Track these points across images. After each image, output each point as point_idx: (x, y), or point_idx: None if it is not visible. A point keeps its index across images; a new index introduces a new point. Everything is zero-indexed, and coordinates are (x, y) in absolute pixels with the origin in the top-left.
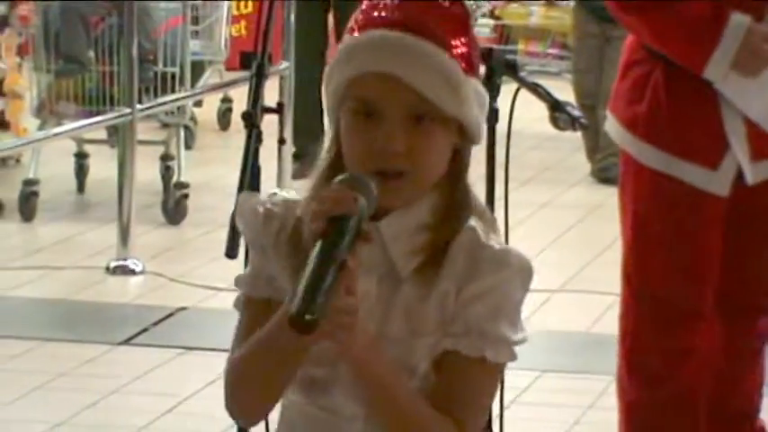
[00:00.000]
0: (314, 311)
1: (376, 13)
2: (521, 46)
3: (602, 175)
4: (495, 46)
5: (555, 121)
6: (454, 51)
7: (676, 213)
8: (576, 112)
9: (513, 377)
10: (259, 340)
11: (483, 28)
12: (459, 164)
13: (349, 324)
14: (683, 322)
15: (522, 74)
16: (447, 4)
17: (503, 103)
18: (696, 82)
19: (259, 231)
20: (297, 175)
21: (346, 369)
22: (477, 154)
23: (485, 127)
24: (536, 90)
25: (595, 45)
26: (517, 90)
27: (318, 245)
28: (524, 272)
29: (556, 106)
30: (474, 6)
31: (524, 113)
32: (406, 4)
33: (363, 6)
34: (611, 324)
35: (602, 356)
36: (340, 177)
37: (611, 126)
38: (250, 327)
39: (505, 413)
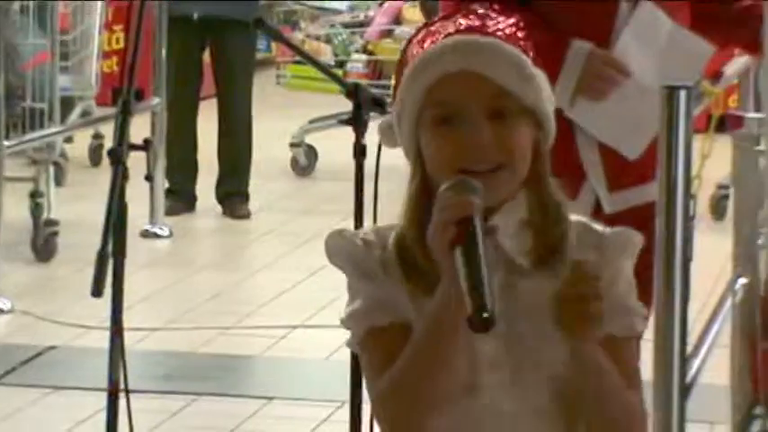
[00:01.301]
0: (487, 309)
1: (437, 32)
2: (394, 81)
3: None
4: (368, 81)
5: None
6: (521, 45)
7: None
8: None
9: None
10: (412, 359)
11: (356, 63)
12: (541, 158)
13: None
14: None
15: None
16: (503, 15)
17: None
18: None
19: (363, 260)
20: (170, 211)
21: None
22: (347, 191)
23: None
24: None
25: None
26: None
27: (459, 250)
28: (635, 245)
29: None
30: (347, 42)
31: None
32: (465, 18)
33: (417, 39)
34: None
35: None
36: (445, 186)
37: None
38: (386, 353)
39: None
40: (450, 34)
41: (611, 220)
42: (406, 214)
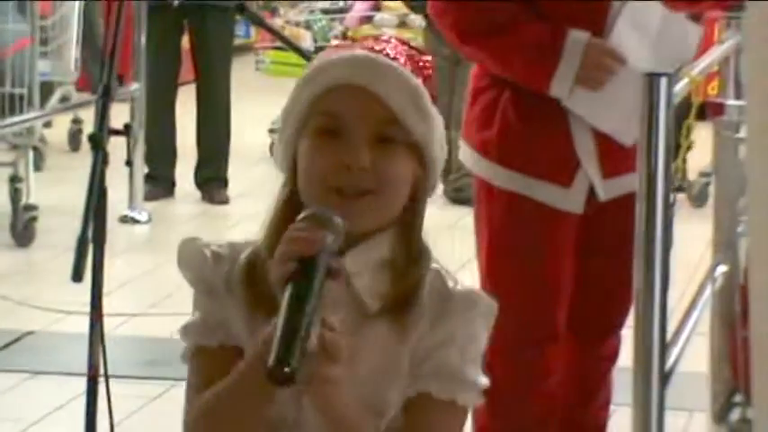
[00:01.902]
0: (291, 363)
1: (337, 51)
2: None
3: (456, 196)
4: None
5: None
6: (421, 81)
7: (531, 233)
8: None
9: None
10: (227, 390)
11: None
12: (417, 199)
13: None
14: (536, 344)
15: None
16: (414, 53)
17: None
18: (544, 103)
19: (207, 275)
20: (149, 196)
21: (310, 408)
22: None
23: (442, 162)
24: None
25: (446, 67)
26: None
27: (289, 289)
28: (490, 314)
29: None
30: (326, 28)
31: None
32: (373, 45)
33: (319, 55)
34: None
35: None
36: (304, 214)
37: (464, 153)
38: (206, 376)
39: None
40: (353, 50)
41: (605, 208)
42: (266, 228)
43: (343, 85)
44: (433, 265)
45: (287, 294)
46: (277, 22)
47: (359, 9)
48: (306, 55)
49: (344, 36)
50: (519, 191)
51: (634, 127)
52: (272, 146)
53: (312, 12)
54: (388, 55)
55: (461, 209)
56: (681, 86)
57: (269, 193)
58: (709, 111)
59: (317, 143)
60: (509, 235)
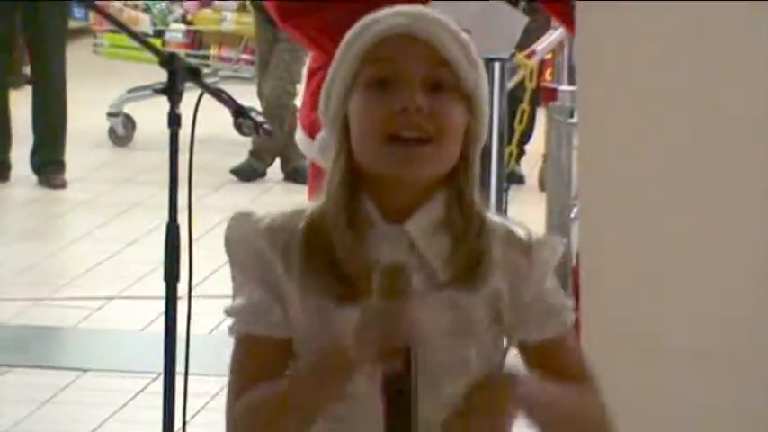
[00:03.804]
0: None
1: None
2: (213, 51)
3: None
4: (187, 51)
5: (239, 128)
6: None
7: None
8: (260, 118)
9: (203, 383)
10: (284, 396)
11: (175, 33)
12: (469, 150)
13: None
14: None
15: (215, 79)
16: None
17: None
18: None
19: (264, 250)
20: None
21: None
22: (165, 161)
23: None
24: (219, 96)
25: (266, 50)
26: (200, 96)
27: (397, 399)
28: (560, 249)
29: (239, 112)
30: (167, 11)
31: (219, 119)
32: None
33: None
34: None
35: None
36: (377, 273)
37: (298, 135)
38: (255, 367)
39: (196, 419)
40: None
41: None
42: (331, 195)
43: (394, 35)
44: (496, 221)
45: (396, 399)
46: (115, 6)
47: None
48: (139, 37)
49: (184, 20)
50: None
51: None
52: (110, 129)
53: None
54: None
55: (303, 190)
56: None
57: (106, 178)
58: (542, 96)
59: (370, 94)
60: None
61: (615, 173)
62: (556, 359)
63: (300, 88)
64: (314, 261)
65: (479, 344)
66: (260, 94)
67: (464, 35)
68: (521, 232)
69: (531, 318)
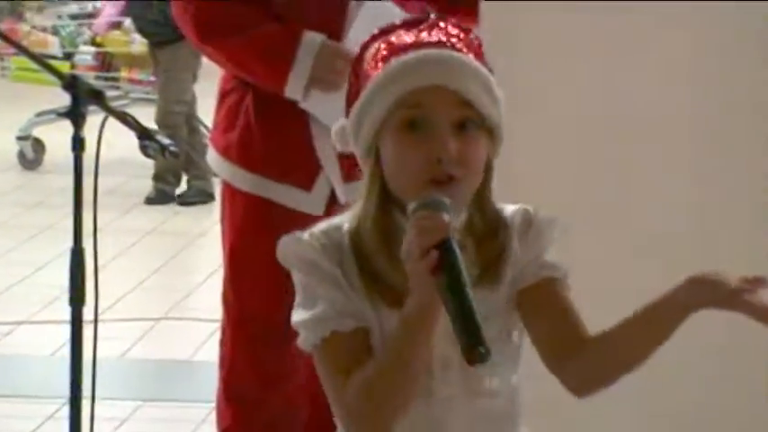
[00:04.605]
0: (483, 342)
1: (399, 42)
2: (124, 73)
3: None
4: (96, 73)
5: (144, 150)
6: (484, 61)
7: (270, 235)
8: (166, 140)
9: (112, 408)
10: (390, 356)
11: (84, 55)
12: (490, 170)
13: None
14: (277, 346)
15: (126, 101)
16: (459, 30)
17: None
18: (285, 105)
19: (326, 266)
20: None
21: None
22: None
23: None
24: (124, 119)
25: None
26: (105, 119)
27: (444, 278)
28: (566, 228)
29: (144, 135)
30: (75, 33)
31: (129, 141)
32: (424, 30)
33: (383, 38)
34: (213, 351)
35: (203, 385)
36: (416, 204)
37: (210, 155)
38: (351, 361)
39: None
40: (418, 45)
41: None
42: (368, 215)
43: (425, 87)
44: (510, 211)
45: (444, 283)
46: (23, 29)
47: (107, 14)
48: (41, 61)
49: (94, 42)
50: (259, 193)
51: None
52: (19, 153)
53: (59, 17)
54: (454, 43)
55: (213, 215)
56: None
57: (16, 202)
58: None
59: (402, 138)
60: (248, 236)
61: (523, 186)
62: (556, 300)
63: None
64: (365, 272)
65: (497, 327)
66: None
67: (485, 72)
68: (529, 211)
69: (528, 270)
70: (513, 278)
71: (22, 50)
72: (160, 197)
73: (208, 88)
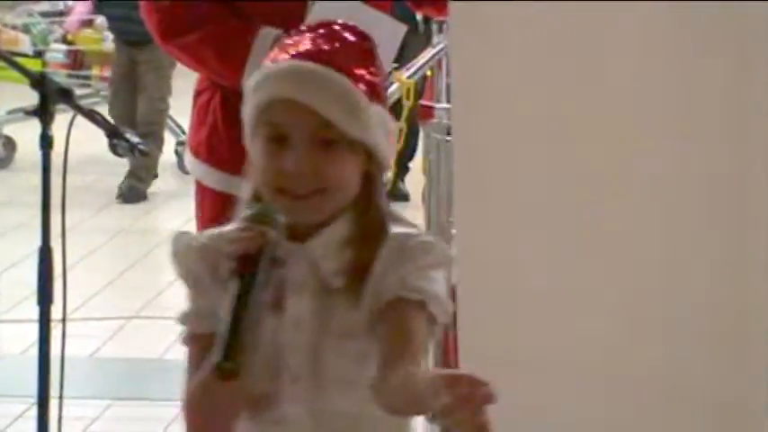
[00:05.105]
0: (236, 359)
1: (289, 46)
2: (95, 71)
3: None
4: (68, 71)
5: (113, 148)
6: (358, 79)
7: None
8: (135, 138)
9: (83, 407)
10: (202, 380)
11: (56, 53)
12: (369, 187)
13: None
14: None
15: (97, 99)
16: (354, 38)
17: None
18: None
19: (193, 268)
20: None
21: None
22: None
23: (392, 152)
24: (93, 117)
25: (124, 71)
26: (73, 117)
27: (233, 287)
28: (446, 260)
29: (113, 133)
30: (47, 31)
31: (101, 139)
32: (316, 37)
33: (282, 41)
34: (183, 350)
35: (173, 384)
36: (248, 213)
37: (186, 156)
38: (198, 361)
39: None
40: (292, 54)
41: None
42: (239, 219)
43: (278, 99)
44: (393, 231)
45: (232, 291)
46: None
47: (78, 12)
48: (8, 59)
49: (65, 40)
50: (225, 189)
51: None
52: None
53: (30, 15)
54: (326, 54)
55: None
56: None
57: None
58: (420, 114)
59: (266, 149)
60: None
61: (490, 188)
62: (398, 320)
63: (171, 103)
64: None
65: (360, 350)
66: (113, 116)
67: (348, 86)
68: (405, 235)
69: (391, 285)
70: (375, 298)
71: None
72: (132, 195)
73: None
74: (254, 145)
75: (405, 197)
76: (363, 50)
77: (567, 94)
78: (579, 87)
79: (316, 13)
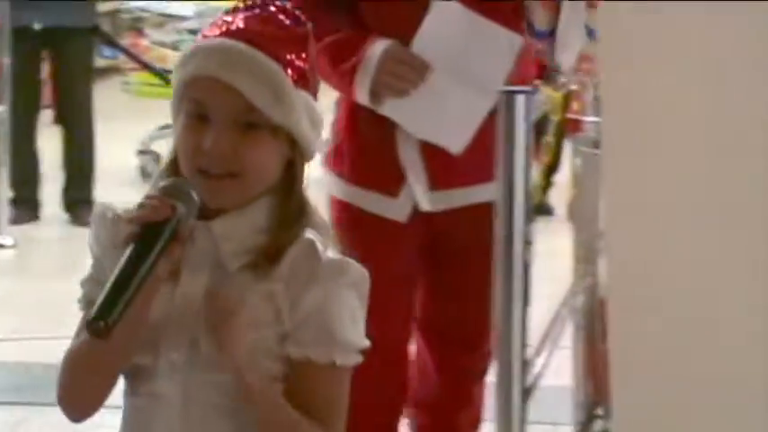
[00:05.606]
0: (108, 319)
1: (222, 23)
2: None
3: None
4: None
5: None
6: (287, 64)
7: (361, 240)
8: None
9: None
10: (85, 340)
11: None
12: (291, 175)
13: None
14: (397, 362)
15: None
16: (288, 22)
17: None
18: (373, 113)
19: (101, 234)
20: (15, 220)
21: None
22: None
23: (319, 142)
24: None
25: None
26: None
27: (128, 251)
28: (361, 282)
29: None
30: None
31: None
32: (249, 18)
33: (227, 15)
34: None
35: None
36: (162, 184)
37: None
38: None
39: None
40: (223, 33)
41: (456, 218)
42: (151, 186)
43: (203, 76)
44: (309, 236)
45: (125, 254)
46: (143, 44)
47: None
48: (163, 75)
49: None
50: (351, 201)
51: (459, 134)
52: (141, 167)
53: (179, 32)
54: (255, 35)
55: None
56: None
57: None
58: (567, 127)
59: (187, 125)
60: (343, 242)
61: (640, 204)
62: (298, 382)
63: None
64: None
65: (263, 339)
66: None
67: (274, 68)
68: (321, 250)
69: (301, 333)
70: (291, 327)
71: (143, 65)
72: None
73: None
74: (177, 120)
75: (549, 211)
76: (296, 35)
77: (722, 106)
78: (735, 99)
79: (431, 22)
